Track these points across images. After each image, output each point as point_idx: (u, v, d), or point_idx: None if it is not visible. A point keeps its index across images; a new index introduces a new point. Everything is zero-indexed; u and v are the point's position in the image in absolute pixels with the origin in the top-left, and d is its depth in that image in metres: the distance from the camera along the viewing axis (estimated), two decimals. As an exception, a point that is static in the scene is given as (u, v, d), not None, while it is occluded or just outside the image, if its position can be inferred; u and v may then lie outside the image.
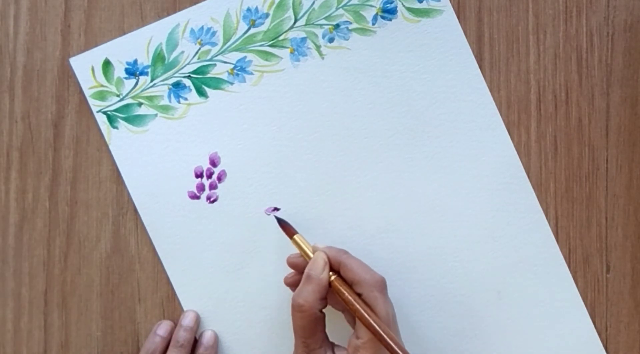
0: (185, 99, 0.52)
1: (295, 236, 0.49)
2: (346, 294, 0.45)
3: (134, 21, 0.52)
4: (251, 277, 0.52)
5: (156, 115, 0.52)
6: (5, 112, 0.53)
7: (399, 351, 0.42)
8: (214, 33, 0.52)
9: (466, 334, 0.52)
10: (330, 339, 0.48)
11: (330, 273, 0.46)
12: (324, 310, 0.47)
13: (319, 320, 0.46)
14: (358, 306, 0.44)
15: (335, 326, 0.48)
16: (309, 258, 0.47)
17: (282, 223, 0.50)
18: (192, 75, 0.52)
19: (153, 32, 0.52)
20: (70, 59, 0.52)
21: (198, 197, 0.52)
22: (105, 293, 0.53)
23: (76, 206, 0.53)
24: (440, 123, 0.52)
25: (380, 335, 0.43)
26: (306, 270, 0.46)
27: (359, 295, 0.45)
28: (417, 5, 0.52)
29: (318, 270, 0.46)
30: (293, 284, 0.49)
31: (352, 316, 0.48)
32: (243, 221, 0.52)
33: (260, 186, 0.52)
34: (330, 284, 0.46)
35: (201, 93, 0.52)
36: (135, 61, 0.52)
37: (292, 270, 0.49)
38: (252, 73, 0.52)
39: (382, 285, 0.45)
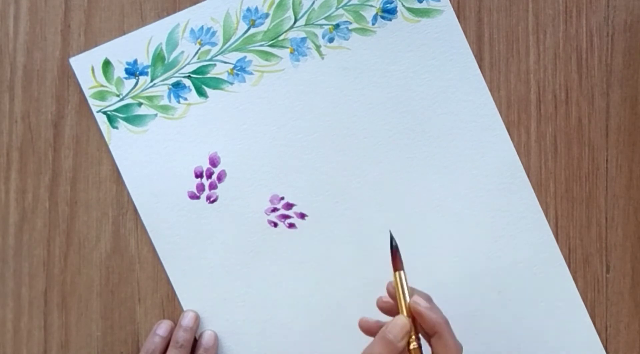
0: (185, 99, 0.52)
1: (399, 273, 0.44)
2: None
3: (134, 21, 0.52)
4: (251, 277, 0.52)
5: (156, 115, 0.52)
6: (5, 112, 0.53)
7: None
8: (214, 33, 0.52)
9: (466, 334, 0.52)
10: None
11: (412, 337, 0.42)
12: None
13: None
14: None
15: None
16: (401, 300, 0.43)
17: (395, 252, 0.45)
18: (192, 75, 0.52)
19: (153, 32, 0.52)
20: (70, 59, 0.52)
21: (198, 197, 0.52)
22: (105, 293, 0.53)
23: (76, 206, 0.53)
24: (440, 123, 0.52)
25: None
26: (384, 329, 0.42)
27: None
28: (417, 5, 0.52)
29: (397, 336, 0.42)
30: (385, 309, 0.46)
31: None
32: (243, 221, 0.52)
33: (260, 186, 0.52)
34: (409, 351, 0.42)
35: (201, 93, 0.52)
36: (135, 61, 0.52)
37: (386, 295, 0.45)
38: (252, 73, 0.52)
39: None
